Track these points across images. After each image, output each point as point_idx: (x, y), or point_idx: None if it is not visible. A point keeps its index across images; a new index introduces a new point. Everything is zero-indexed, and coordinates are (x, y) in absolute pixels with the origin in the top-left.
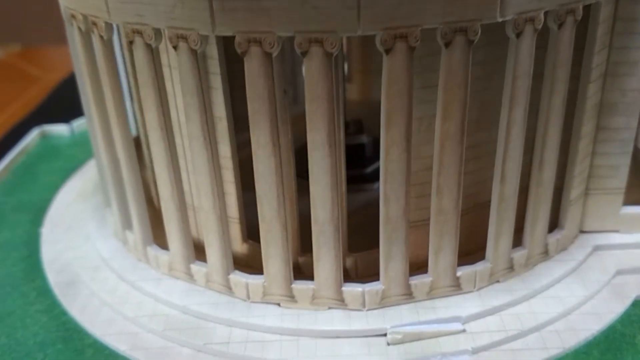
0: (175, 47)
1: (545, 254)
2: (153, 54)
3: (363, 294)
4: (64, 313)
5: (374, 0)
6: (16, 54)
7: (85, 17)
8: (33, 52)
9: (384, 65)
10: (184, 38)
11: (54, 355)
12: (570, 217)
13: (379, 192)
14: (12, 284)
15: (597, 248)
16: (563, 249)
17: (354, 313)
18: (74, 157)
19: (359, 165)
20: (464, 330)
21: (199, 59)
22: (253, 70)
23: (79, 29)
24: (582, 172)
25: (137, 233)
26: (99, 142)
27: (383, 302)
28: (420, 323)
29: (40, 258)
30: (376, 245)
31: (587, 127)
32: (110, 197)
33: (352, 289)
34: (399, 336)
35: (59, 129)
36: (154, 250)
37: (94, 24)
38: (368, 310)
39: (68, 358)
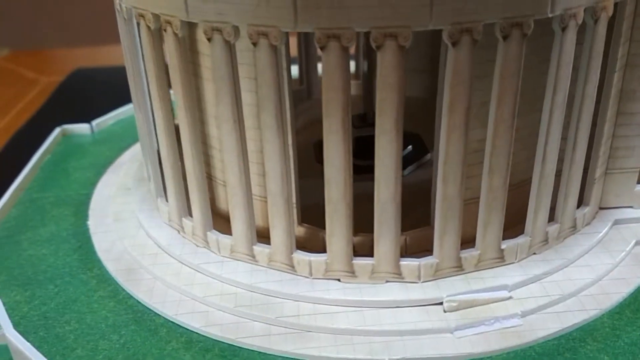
0: (254, 44)
1: (574, 228)
2: (231, 50)
3: (419, 267)
4: (129, 297)
5: None
6: (6, 58)
7: (156, 16)
8: (23, 55)
9: (449, 56)
10: (265, 35)
11: (130, 336)
12: (594, 194)
13: (435, 173)
14: (70, 274)
15: (616, 222)
16: (587, 223)
17: (410, 285)
18: (100, 154)
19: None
20: (510, 297)
21: (277, 54)
22: (331, 63)
23: (148, 27)
24: (604, 153)
25: (197, 220)
26: (161, 136)
27: (436, 274)
28: (472, 292)
29: (93, 248)
30: (414, 226)
31: (610, 112)
32: (168, 187)
33: (409, 263)
34: (455, 304)
35: (80, 128)
36: (214, 235)
37: (168, 22)
38: (423, 282)
39: (144, 337)
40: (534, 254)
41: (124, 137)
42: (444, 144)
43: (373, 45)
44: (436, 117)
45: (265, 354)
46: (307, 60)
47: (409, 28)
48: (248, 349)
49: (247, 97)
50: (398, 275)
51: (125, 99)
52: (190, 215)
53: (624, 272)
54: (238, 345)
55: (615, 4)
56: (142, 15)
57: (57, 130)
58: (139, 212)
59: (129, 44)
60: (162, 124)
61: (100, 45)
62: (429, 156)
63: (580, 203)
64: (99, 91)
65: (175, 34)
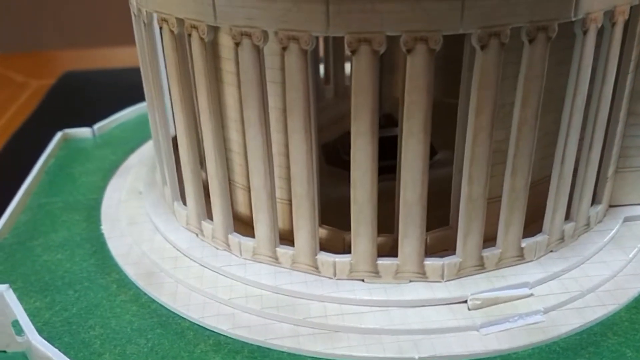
0: (284, 48)
1: (587, 226)
2: (260, 54)
3: (443, 266)
4: (152, 301)
5: (475, 3)
6: None
7: (180, 20)
8: (11, 58)
9: (477, 60)
10: (296, 39)
11: (157, 340)
12: (606, 192)
13: (456, 174)
14: (88, 279)
15: (626, 219)
16: (599, 221)
17: (434, 284)
18: (105, 158)
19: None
20: (532, 294)
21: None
22: (361, 66)
23: (171, 32)
24: (616, 152)
25: (218, 223)
26: (182, 140)
27: (459, 273)
28: (495, 290)
29: (110, 253)
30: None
31: (622, 112)
32: (187, 191)
33: (433, 263)
34: (479, 302)
35: (82, 132)
36: (236, 238)
37: (194, 27)
38: (446, 281)
39: (171, 341)
40: (551, 251)
41: (127, 141)
42: (470, 145)
43: (403, 49)
44: (459, 119)
45: (295, 354)
46: (334, 60)
47: (439, 32)
48: (277, 350)
49: (270, 101)
50: (422, 274)
51: (119, 101)
52: (210, 218)
53: (637, 268)
54: (267, 346)
55: (631, 8)
56: (165, 20)
57: (58, 135)
58: (154, 216)
59: (148, 47)
60: (183, 127)
61: (87, 48)
62: (437, 157)
63: (593, 201)
64: (92, 94)
65: (202, 39)
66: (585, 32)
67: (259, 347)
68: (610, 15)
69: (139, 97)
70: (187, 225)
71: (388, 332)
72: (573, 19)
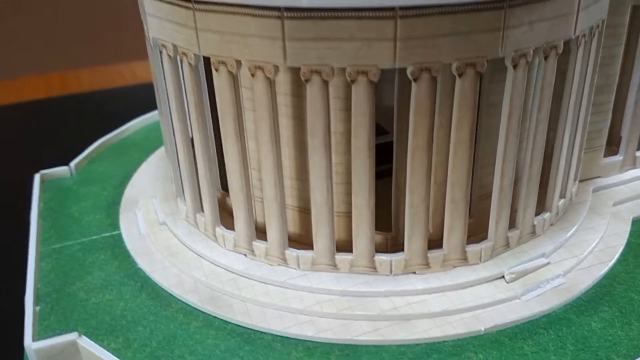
0: (352, 81)
1: (570, 200)
2: (327, 89)
3: (481, 250)
4: (225, 323)
5: (512, 32)
6: None
7: (238, 62)
8: None
9: (508, 78)
10: (364, 73)
11: (251, 356)
12: (579, 170)
13: (495, 169)
14: (151, 313)
15: (594, 190)
16: (576, 194)
17: (475, 266)
18: (97, 195)
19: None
20: (549, 263)
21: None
22: (421, 92)
23: (230, 72)
24: (585, 136)
25: (274, 241)
26: (236, 171)
27: (492, 254)
28: (522, 263)
29: (158, 285)
30: None
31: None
32: (237, 217)
33: (473, 248)
34: (514, 275)
35: (60, 171)
36: (294, 252)
37: (259, 67)
38: (484, 262)
39: (264, 354)
40: (551, 225)
41: (110, 175)
42: (502, 144)
43: (455, 73)
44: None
45: (381, 346)
46: None
47: (484, 57)
48: (365, 345)
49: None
50: (464, 260)
51: (55, 133)
52: (259, 239)
53: (614, 229)
54: (354, 343)
55: (602, 22)
56: (223, 63)
57: (37, 177)
58: (192, 244)
59: (194, 89)
60: (238, 159)
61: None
62: None
63: None
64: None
65: (268, 78)
66: (578, 47)
67: (346, 345)
68: (590, 30)
69: (77, 127)
70: (235, 247)
71: (452, 312)
72: (573, 37)
